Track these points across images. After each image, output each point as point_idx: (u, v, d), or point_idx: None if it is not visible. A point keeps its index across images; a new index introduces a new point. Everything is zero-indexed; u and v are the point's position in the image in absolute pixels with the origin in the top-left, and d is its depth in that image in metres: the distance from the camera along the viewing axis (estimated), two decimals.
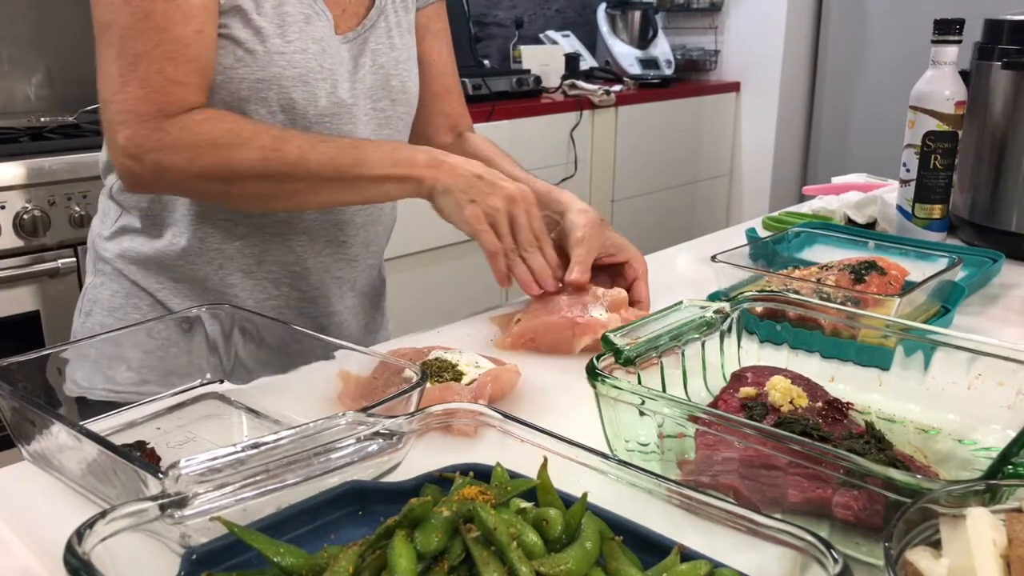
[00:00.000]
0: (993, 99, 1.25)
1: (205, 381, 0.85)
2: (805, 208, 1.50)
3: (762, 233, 1.36)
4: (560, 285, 0.97)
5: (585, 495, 0.51)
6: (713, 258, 1.01)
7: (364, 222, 1.11)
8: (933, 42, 1.23)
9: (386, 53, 1.06)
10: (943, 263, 1.01)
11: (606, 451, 0.62)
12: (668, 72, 3.47)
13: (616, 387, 0.64)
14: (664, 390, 0.72)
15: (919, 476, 0.51)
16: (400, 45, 1.08)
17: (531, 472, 0.54)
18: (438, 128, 1.21)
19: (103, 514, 0.46)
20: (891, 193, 1.36)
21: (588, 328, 0.90)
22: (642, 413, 0.64)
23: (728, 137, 3.71)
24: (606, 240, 1.01)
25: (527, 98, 2.93)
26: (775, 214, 1.47)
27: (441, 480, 0.57)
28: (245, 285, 1.05)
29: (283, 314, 1.07)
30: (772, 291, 0.88)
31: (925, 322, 0.93)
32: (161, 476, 0.52)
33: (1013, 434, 0.59)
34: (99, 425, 0.78)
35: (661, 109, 3.34)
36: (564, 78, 3.15)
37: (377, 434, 0.57)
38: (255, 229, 1.03)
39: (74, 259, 1.86)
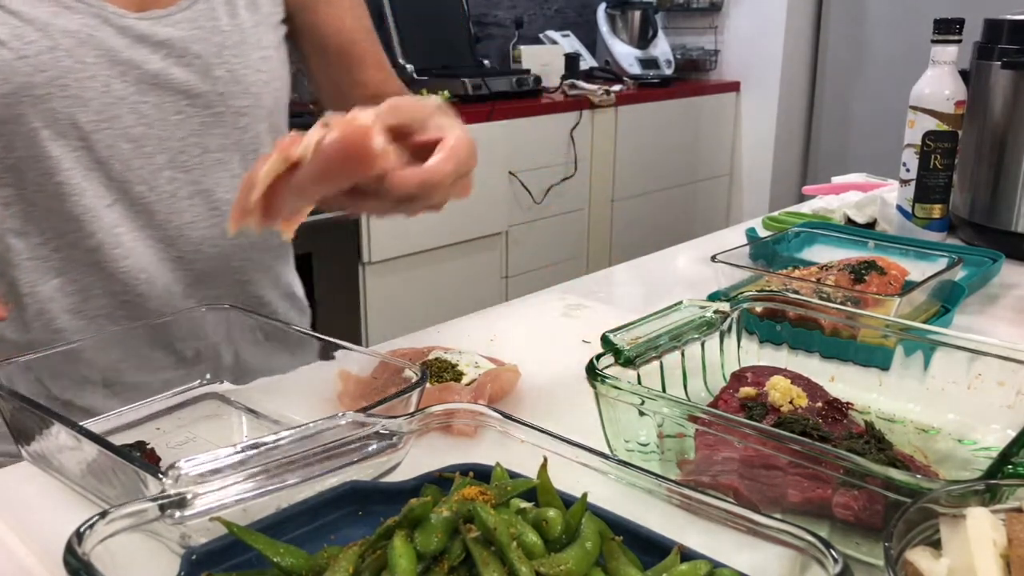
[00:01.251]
0: (993, 99, 1.25)
1: (205, 381, 0.85)
2: (805, 208, 1.50)
3: (762, 233, 1.36)
4: None
5: (585, 495, 0.51)
6: (713, 258, 1.01)
7: (205, 236, 0.95)
8: (933, 42, 1.23)
9: (206, 38, 0.91)
10: (943, 263, 1.01)
11: (606, 451, 0.62)
12: (668, 72, 3.47)
13: (616, 387, 0.64)
14: (664, 390, 0.72)
15: (919, 476, 0.51)
16: (231, 26, 0.93)
17: (531, 472, 0.54)
18: (357, 101, 1.04)
19: (103, 514, 0.46)
20: (891, 193, 1.36)
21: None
22: (642, 413, 0.64)
23: (728, 137, 3.71)
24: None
25: (527, 98, 2.94)
26: (775, 214, 1.47)
27: (441, 480, 0.57)
28: (76, 327, 0.91)
29: (131, 349, 0.92)
30: (772, 291, 0.88)
31: (925, 322, 0.93)
32: (161, 476, 0.52)
33: (1013, 434, 0.59)
34: (99, 425, 0.78)
35: (661, 109, 3.34)
36: (564, 78, 3.15)
37: (377, 434, 0.57)
38: (69, 262, 0.90)
39: None
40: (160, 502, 0.48)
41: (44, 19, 0.82)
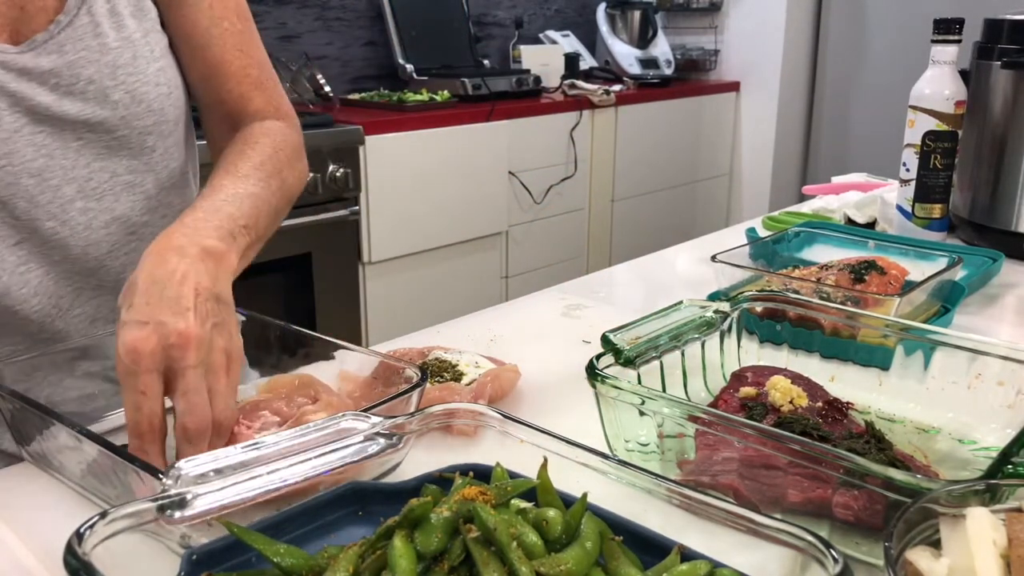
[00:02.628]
0: (993, 99, 1.25)
1: None
2: (805, 208, 1.50)
3: (762, 233, 1.36)
4: None
5: (585, 495, 0.51)
6: (713, 258, 1.01)
7: (126, 264, 0.89)
8: (933, 41, 1.23)
9: (96, 59, 0.82)
10: (943, 263, 1.01)
11: (606, 451, 0.62)
12: (668, 72, 3.47)
13: (616, 387, 0.64)
14: (664, 390, 0.72)
15: (919, 476, 0.51)
16: (119, 40, 0.83)
17: (531, 472, 0.54)
18: (217, 123, 0.94)
19: (103, 514, 0.46)
20: (891, 193, 1.36)
21: None
22: (642, 413, 0.64)
23: (728, 137, 3.71)
24: None
25: (527, 98, 2.94)
26: (775, 214, 1.47)
27: (441, 480, 0.57)
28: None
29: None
30: (772, 291, 0.88)
31: (925, 322, 0.93)
32: (161, 476, 0.52)
33: (1013, 434, 0.59)
34: (99, 425, 0.78)
35: (661, 109, 3.34)
36: (564, 78, 3.15)
37: (377, 434, 0.57)
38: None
39: None
40: (160, 502, 0.48)
41: None
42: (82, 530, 0.45)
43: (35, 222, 0.83)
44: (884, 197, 1.37)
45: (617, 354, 0.69)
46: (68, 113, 0.81)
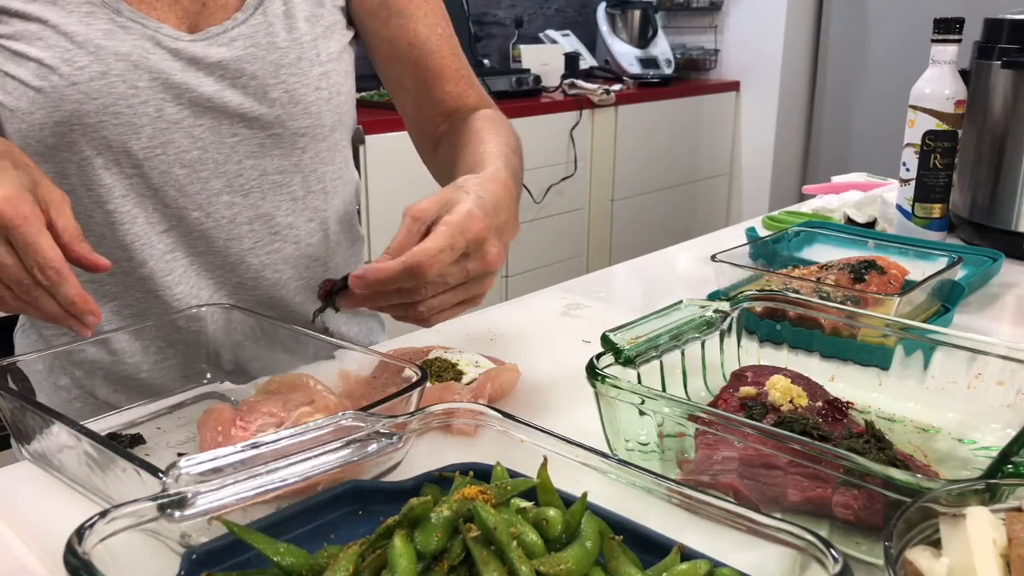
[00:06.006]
0: (993, 98, 1.25)
1: (205, 381, 0.85)
2: (805, 207, 1.50)
3: (762, 232, 1.36)
4: None
5: (585, 495, 0.51)
6: (713, 257, 1.01)
7: (265, 263, 0.93)
8: (933, 41, 1.23)
9: (262, 56, 0.86)
10: (943, 262, 1.00)
11: (606, 451, 0.62)
12: (668, 71, 3.47)
13: (616, 386, 0.64)
14: (664, 389, 0.72)
15: (919, 475, 0.51)
16: (288, 41, 0.88)
17: (531, 472, 0.54)
18: (431, 119, 1.00)
19: (103, 514, 0.46)
20: (891, 192, 1.36)
21: None
22: (642, 412, 0.64)
23: (728, 136, 3.71)
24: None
25: (527, 97, 2.94)
26: (775, 213, 1.47)
27: (441, 480, 0.57)
28: (133, 349, 0.90)
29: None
30: (772, 290, 0.88)
31: (925, 321, 0.93)
32: (161, 476, 0.52)
33: (1013, 433, 0.59)
34: (99, 425, 0.78)
35: (661, 108, 3.34)
36: (564, 77, 3.15)
37: (377, 433, 0.57)
38: (123, 287, 0.89)
39: None
40: (160, 502, 0.48)
41: (96, 41, 0.80)
42: (82, 529, 0.45)
43: (183, 211, 0.86)
44: (884, 197, 1.37)
45: (617, 354, 0.69)
46: (228, 105, 0.85)
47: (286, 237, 0.93)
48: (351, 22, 0.97)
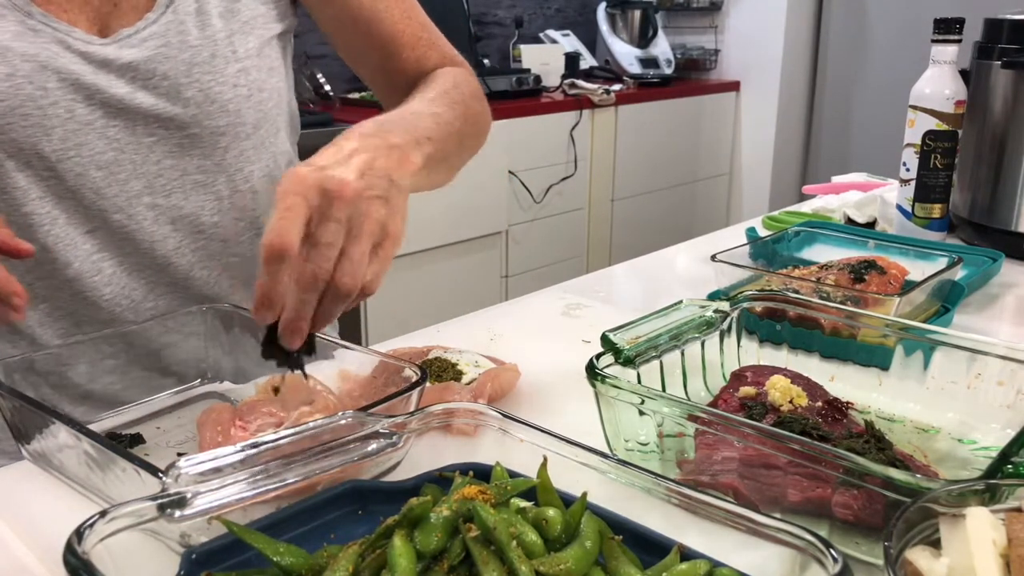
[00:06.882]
0: (993, 98, 1.25)
1: (205, 381, 0.85)
2: (805, 207, 1.50)
3: (762, 232, 1.36)
4: None
5: (585, 495, 0.51)
6: (713, 257, 1.01)
7: (193, 262, 0.90)
8: (933, 41, 1.23)
9: (173, 56, 0.83)
10: (943, 262, 1.01)
11: (606, 451, 0.62)
12: (668, 71, 3.47)
13: (616, 386, 0.64)
14: (664, 389, 0.72)
15: (919, 475, 0.51)
16: (200, 39, 0.85)
17: (531, 472, 0.54)
18: (401, 93, 0.93)
19: (103, 513, 0.46)
20: (891, 192, 1.36)
21: None
22: (642, 412, 0.64)
23: (728, 136, 3.71)
24: None
25: (527, 97, 2.94)
26: (775, 213, 1.47)
27: (441, 480, 0.57)
28: (70, 352, 0.86)
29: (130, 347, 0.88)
30: (772, 290, 0.88)
31: (925, 321, 0.93)
32: (161, 475, 0.52)
33: (1012, 433, 0.59)
34: (99, 425, 0.78)
35: (661, 108, 3.34)
36: (564, 77, 3.15)
37: (377, 433, 0.57)
38: (52, 290, 0.85)
39: None
40: (160, 502, 0.48)
41: (4, 43, 0.77)
42: (82, 529, 0.45)
43: (104, 213, 0.85)
44: (884, 197, 1.37)
45: (617, 353, 0.69)
46: (141, 106, 0.83)
47: (212, 236, 0.91)
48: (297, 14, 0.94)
